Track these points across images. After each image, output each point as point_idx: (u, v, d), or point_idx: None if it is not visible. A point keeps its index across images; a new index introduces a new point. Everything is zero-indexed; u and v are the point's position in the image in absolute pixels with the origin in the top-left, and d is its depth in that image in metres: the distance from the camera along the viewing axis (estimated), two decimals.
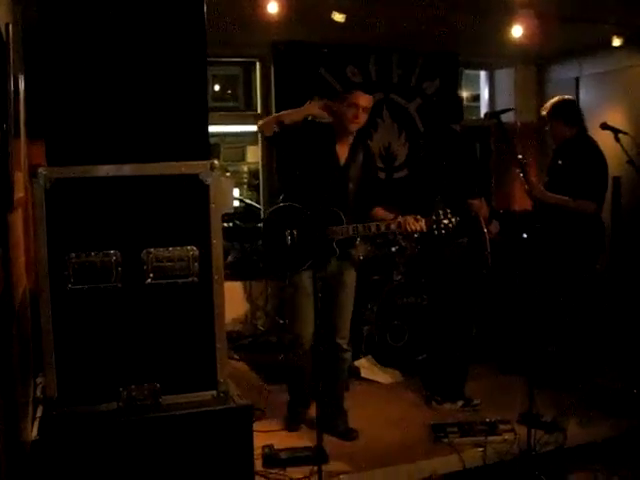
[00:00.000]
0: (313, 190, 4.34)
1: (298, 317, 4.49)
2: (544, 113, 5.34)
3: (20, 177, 3.79)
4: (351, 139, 4.49)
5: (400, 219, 4.36)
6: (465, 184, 5.20)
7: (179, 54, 2.84)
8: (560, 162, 5.26)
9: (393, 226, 4.37)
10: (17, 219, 3.67)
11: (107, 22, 2.77)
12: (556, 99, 5.36)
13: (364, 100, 4.36)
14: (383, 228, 4.39)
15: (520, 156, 4.53)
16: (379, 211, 4.55)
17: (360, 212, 4.49)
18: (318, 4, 5.49)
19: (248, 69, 7.65)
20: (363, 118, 4.39)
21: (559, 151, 5.32)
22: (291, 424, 4.71)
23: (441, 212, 4.34)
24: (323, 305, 4.37)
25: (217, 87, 7.53)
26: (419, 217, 4.36)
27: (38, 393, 3.67)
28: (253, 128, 6.68)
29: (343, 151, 4.48)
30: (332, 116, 4.40)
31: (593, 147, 5.21)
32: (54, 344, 2.70)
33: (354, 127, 4.40)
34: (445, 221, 4.33)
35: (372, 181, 4.65)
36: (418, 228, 4.34)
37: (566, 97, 5.41)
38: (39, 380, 3.74)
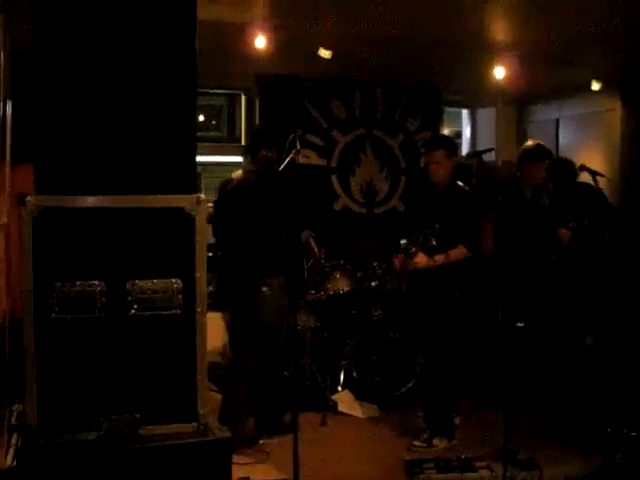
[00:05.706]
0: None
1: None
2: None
3: (3, 202, 3.79)
4: None
5: None
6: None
7: (170, 88, 2.87)
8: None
9: None
10: None
11: (99, 53, 2.79)
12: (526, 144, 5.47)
13: None
14: None
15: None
16: None
17: None
18: (305, 40, 5.56)
19: (232, 100, 7.72)
20: None
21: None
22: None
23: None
24: None
25: (201, 117, 7.57)
26: None
27: (13, 420, 3.64)
28: (236, 159, 6.71)
29: None
30: None
31: None
32: (36, 372, 2.69)
33: None
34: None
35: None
36: None
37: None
38: (15, 407, 3.71)
